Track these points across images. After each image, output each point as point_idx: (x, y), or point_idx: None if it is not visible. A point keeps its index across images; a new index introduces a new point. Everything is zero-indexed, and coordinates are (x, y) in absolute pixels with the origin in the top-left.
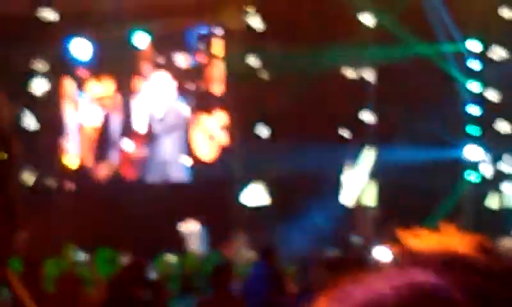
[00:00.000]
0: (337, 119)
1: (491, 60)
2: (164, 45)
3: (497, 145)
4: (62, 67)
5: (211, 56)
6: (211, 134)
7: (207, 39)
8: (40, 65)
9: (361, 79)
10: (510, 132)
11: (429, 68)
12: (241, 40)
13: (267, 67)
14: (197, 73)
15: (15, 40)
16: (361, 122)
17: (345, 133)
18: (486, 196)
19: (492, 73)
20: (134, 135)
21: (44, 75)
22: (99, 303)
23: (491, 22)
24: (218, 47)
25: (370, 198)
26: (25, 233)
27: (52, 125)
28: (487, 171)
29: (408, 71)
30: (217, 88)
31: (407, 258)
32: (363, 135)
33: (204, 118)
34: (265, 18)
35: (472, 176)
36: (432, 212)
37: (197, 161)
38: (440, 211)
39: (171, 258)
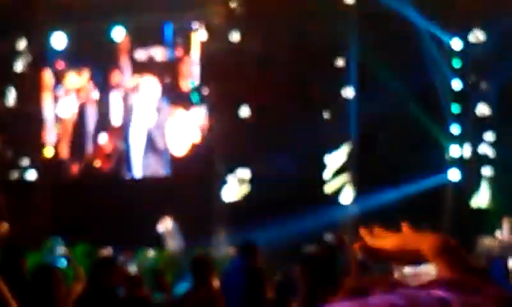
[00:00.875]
0: (318, 118)
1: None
2: (142, 38)
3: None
4: (42, 58)
5: (188, 51)
6: (187, 129)
7: (184, 33)
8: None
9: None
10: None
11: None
12: (223, 34)
13: (248, 63)
14: (174, 67)
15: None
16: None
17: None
18: (468, 196)
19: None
20: (110, 128)
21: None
22: (78, 295)
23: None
24: (196, 41)
25: (348, 196)
26: (6, 225)
27: (33, 116)
28: (468, 169)
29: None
30: (194, 83)
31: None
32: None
33: (181, 112)
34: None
35: (453, 176)
36: (415, 210)
37: (174, 156)
38: (421, 210)
39: (149, 253)
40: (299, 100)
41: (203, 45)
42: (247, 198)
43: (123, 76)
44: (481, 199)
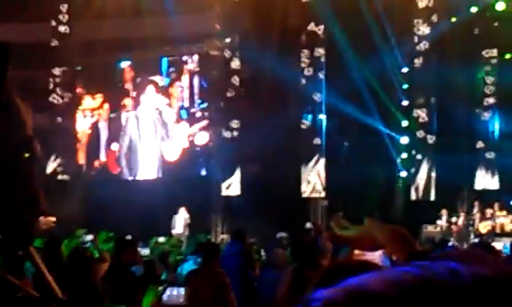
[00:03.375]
0: (296, 124)
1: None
2: (143, 68)
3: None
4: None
5: (180, 78)
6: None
7: (178, 64)
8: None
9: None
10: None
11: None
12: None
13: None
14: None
15: (37, 63)
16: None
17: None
18: (414, 188)
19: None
20: (119, 140)
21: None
22: (104, 273)
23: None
24: (186, 70)
25: (320, 189)
26: (53, 219)
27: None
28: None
29: None
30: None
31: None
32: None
33: (173, 126)
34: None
35: (402, 172)
36: (371, 202)
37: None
38: (376, 201)
39: (160, 239)
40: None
41: (203, 71)
42: (239, 194)
43: (128, 99)
44: (425, 193)
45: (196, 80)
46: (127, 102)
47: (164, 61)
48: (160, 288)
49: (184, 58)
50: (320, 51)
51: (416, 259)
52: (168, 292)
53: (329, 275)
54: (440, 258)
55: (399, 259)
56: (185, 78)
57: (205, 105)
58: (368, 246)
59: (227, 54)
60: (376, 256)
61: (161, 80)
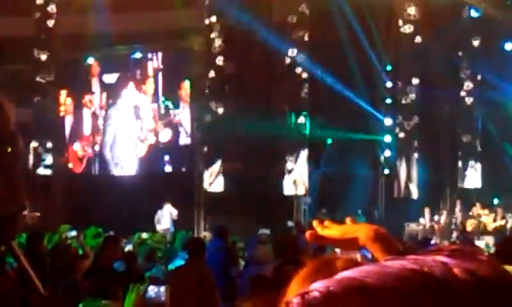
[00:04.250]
0: (280, 121)
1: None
2: (110, 66)
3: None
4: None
5: (146, 75)
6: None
7: (143, 62)
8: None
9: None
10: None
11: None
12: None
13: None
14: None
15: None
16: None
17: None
18: (397, 186)
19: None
20: (82, 137)
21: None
22: (86, 268)
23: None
24: (151, 69)
25: (303, 187)
26: (36, 215)
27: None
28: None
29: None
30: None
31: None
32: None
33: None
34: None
35: (385, 170)
36: (354, 200)
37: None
38: (359, 199)
39: (143, 234)
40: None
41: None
42: (221, 191)
43: (94, 96)
44: (408, 191)
45: (160, 77)
46: (92, 98)
47: (132, 57)
48: (143, 286)
49: (149, 55)
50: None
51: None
52: (152, 289)
53: (314, 271)
54: (432, 252)
55: (379, 259)
56: (150, 75)
57: (168, 102)
58: (350, 246)
59: (211, 49)
60: (357, 256)
61: (127, 77)
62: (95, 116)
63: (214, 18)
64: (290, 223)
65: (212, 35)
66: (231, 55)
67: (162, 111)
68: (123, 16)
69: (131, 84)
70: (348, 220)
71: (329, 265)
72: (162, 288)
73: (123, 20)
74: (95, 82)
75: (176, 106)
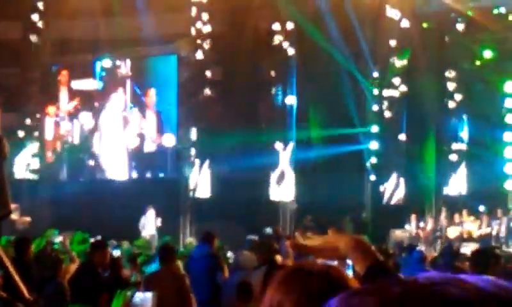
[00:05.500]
0: (267, 127)
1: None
2: (78, 73)
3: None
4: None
5: (115, 82)
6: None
7: (112, 68)
8: None
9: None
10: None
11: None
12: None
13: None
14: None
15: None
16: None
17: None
18: (383, 193)
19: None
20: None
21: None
22: (72, 274)
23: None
24: (121, 76)
25: (289, 194)
26: (28, 219)
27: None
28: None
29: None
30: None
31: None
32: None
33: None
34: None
35: (371, 177)
36: (340, 206)
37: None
38: (346, 205)
39: (126, 243)
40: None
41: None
42: (208, 197)
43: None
44: (395, 198)
45: (128, 84)
46: (58, 104)
47: (98, 65)
48: (130, 292)
49: (118, 63)
50: (291, 51)
51: (378, 269)
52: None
53: (292, 276)
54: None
55: (359, 269)
56: (116, 82)
57: (135, 108)
58: (331, 256)
59: (198, 55)
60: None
61: (95, 84)
62: (58, 122)
63: (199, 25)
64: (268, 230)
65: (199, 41)
66: (218, 62)
67: (130, 118)
68: (92, 24)
69: (120, 90)
70: (330, 230)
71: (306, 271)
72: (149, 295)
73: (92, 27)
74: (63, 89)
75: (143, 113)
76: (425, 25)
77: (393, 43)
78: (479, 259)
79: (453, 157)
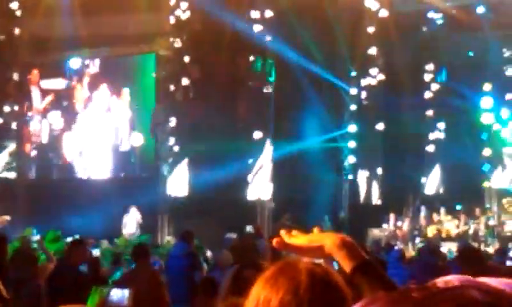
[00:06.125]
0: (245, 126)
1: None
2: (50, 72)
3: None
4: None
5: (81, 81)
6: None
7: (81, 67)
8: None
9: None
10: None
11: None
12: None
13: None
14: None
15: None
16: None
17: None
18: (361, 192)
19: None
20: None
21: None
22: (50, 272)
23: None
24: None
25: (267, 193)
26: (6, 217)
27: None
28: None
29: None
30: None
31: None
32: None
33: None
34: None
35: (349, 176)
36: (318, 205)
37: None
38: (323, 204)
39: (105, 242)
40: (229, 116)
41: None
42: (186, 195)
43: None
44: (373, 197)
45: (101, 84)
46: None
47: (67, 64)
48: (105, 289)
49: (86, 62)
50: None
51: (364, 268)
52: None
53: (277, 273)
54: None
55: (346, 267)
56: (85, 82)
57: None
58: (316, 254)
59: (176, 53)
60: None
61: (63, 83)
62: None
63: (173, 21)
64: (248, 228)
65: (177, 39)
66: (196, 59)
67: (104, 117)
68: (67, 21)
69: (104, 86)
70: (315, 229)
71: (292, 268)
72: (126, 292)
73: (65, 25)
74: (34, 89)
75: (117, 112)
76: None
77: (371, 31)
78: (467, 258)
79: (430, 148)
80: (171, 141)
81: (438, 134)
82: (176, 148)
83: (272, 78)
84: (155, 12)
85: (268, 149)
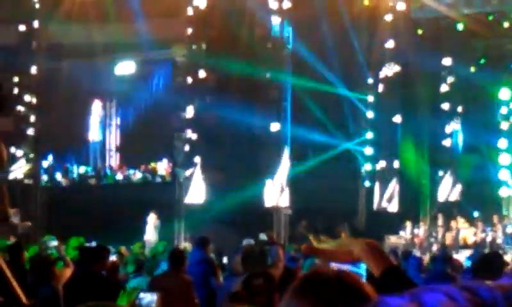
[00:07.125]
0: (262, 134)
1: None
2: None
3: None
4: None
5: None
6: None
7: None
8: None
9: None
10: None
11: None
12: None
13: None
14: None
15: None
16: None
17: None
18: (377, 199)
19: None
20: None
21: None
22: (68, 279)
23: None
24: None
25: (284, 200)
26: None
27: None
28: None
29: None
30: None
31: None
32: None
33: None
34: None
35: (366, 182)
36: (334, 212)
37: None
38: (340, 211)
39: (123, 247)
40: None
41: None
42: (203, 202)
43: None
44: (390, 204)
45: None
46: None
47: None
48: (135, 292)
49: None
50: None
51: (392, 273)
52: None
53: (309, 283)
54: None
55: (375, 272)
56: None
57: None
58: (345, 259)
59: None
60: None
61: None
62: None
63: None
64: (262, 235)
65: (194, 46)
66: (212, 65)
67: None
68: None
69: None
70: (343, 234)
71: (322, 276)
72: (155, 295)
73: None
74: None
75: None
76: (420, 31)
77: (390, 45)
78: (491, 264)
79: (448, 163)
80: (187, 147)
81: (455, 140)
82: (193, 156)
83: (289, 87)
84: (172, 18)
85: (286, 157)
